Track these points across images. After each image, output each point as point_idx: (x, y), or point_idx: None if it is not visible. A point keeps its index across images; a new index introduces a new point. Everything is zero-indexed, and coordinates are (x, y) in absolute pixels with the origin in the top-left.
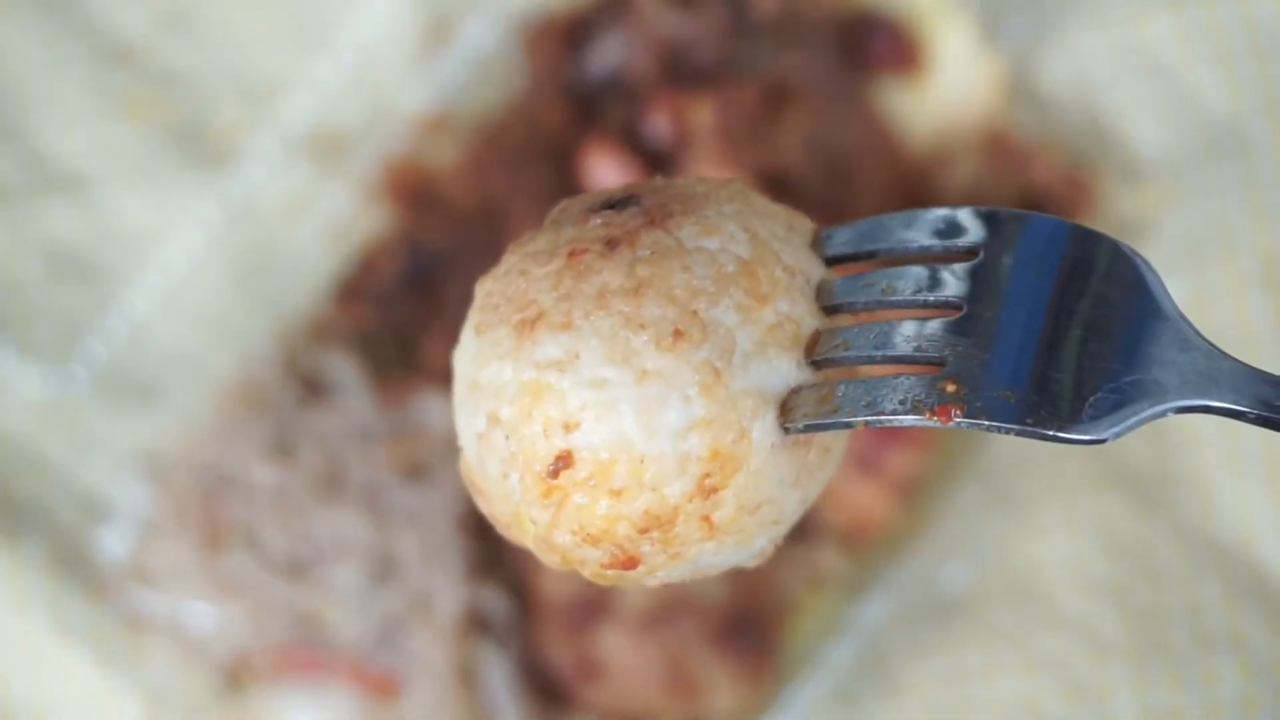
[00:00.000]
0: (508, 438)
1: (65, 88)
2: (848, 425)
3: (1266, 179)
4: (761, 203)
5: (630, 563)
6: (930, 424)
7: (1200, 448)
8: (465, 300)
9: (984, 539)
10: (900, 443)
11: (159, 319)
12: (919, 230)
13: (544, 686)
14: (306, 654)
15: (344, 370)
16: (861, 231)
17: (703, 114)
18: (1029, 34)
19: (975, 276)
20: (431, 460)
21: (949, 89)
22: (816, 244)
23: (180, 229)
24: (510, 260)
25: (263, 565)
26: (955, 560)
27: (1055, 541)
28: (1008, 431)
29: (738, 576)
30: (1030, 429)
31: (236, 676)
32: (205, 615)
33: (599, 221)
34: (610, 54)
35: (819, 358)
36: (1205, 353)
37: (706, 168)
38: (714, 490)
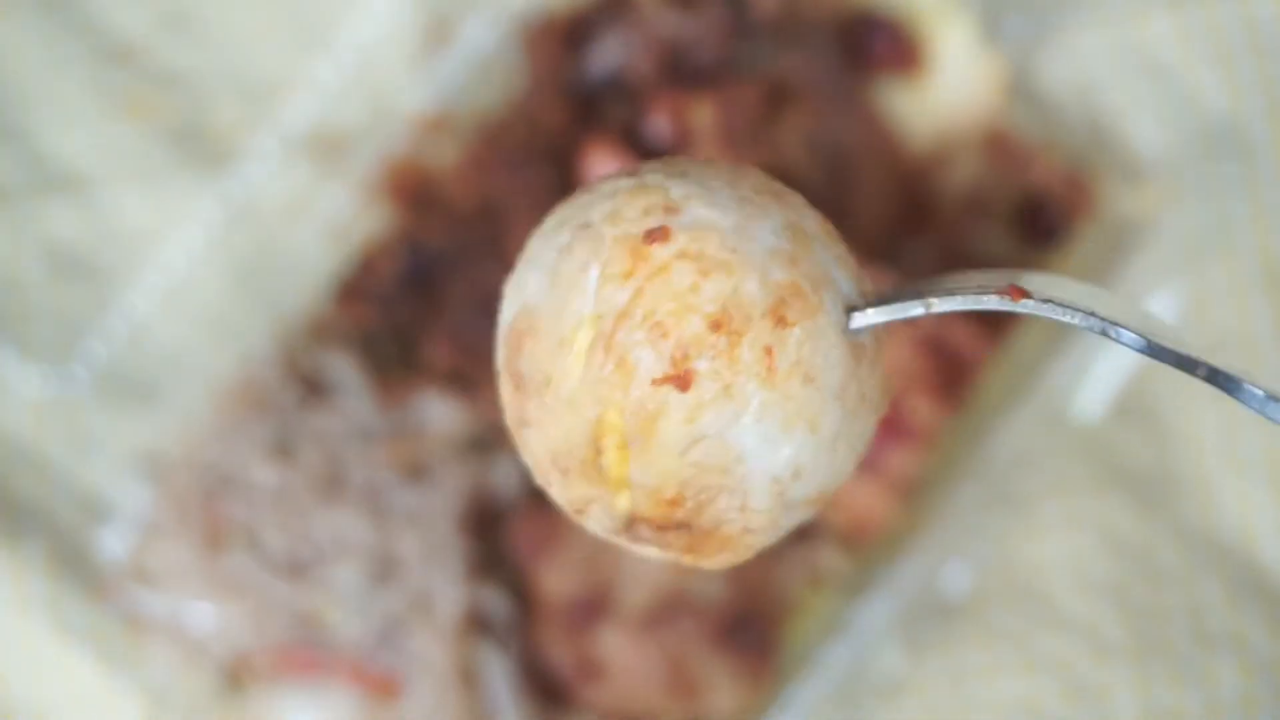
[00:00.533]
0: (603, 224)
1: (65, 88)
2: (913, 312)
3: (1266, 179)
4: None
5: (685, 379)
6: (1001, 306)
7: (1200, 447)
8: (465, 300)
9: (984, 539)
10: (900, 443)
11: (159, 319)
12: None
13: (544, 686)
14: (306, 654)
15: (344, 370)
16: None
17: (703, 114)
18: (1029, 34)
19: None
20: (432, 460)
21: (949, 89)
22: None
23: (180, 229)
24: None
25: (263, 565)
26: (955, 560)
27: (1055, 541)
28: (1073, 318)
29: (738, 576)
30: (1118, 330)
31: (237, 676)
32: (205, 615)
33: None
34: (610, 54)
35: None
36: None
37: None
38: (785, 322)
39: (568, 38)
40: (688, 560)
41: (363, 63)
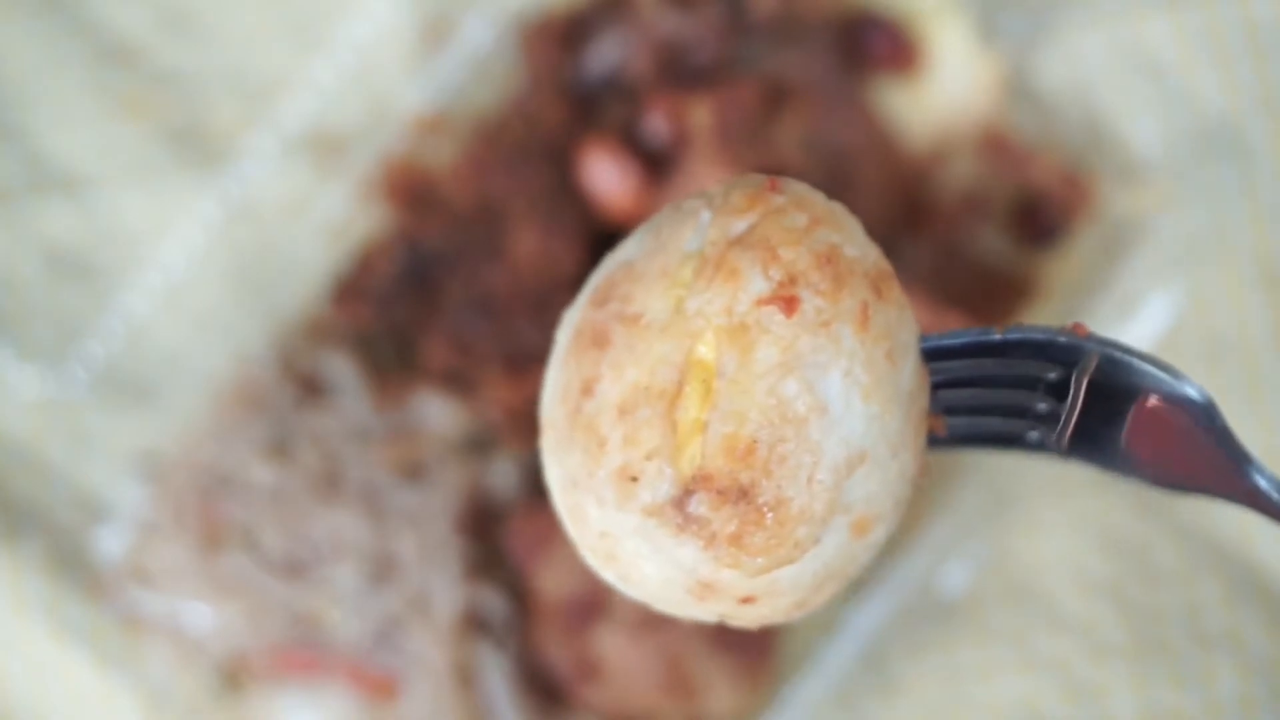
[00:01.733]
0: (706, 196)
1: (63, 87)
2: (979, 445)
3: (1264, 179)
4: None
5: (790, 303)
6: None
7: None
8: (464, 300)
9: (984, 539)
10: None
11: (157, 319)
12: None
13: (542, 687)
14: (305, 654)
15: (342, 370)
16: (963, 343)
17: (701, 113)
18: (1027, 34)
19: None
20: (430, 460)
21: (947, 89)
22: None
23: (178, 229)
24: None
25: (261, 565)
26: (955, 560)
27: (1054, 541)
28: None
29: None
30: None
31: (235, 677)
32: (203, 615)
33: None
34: (609, 53)
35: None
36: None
37: (705, 167)
38: (880, 294)
39: (566, 37)
40: (728, 560)
41: (361, 63)
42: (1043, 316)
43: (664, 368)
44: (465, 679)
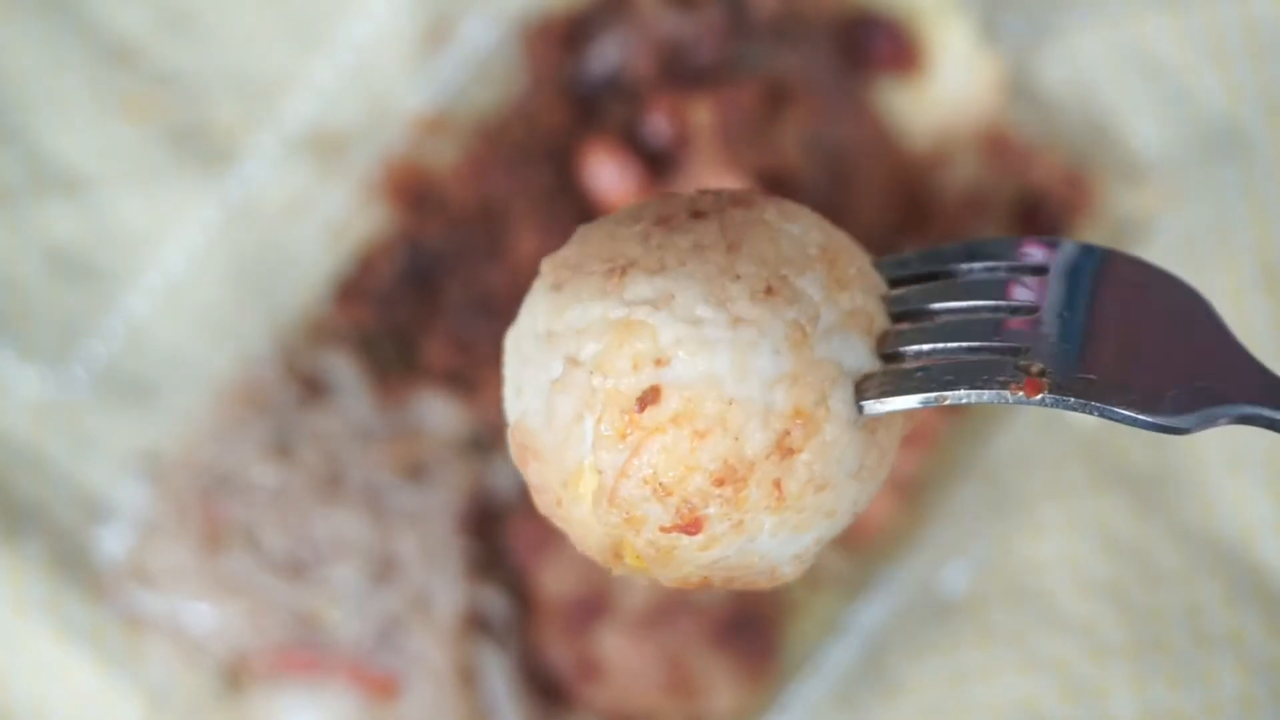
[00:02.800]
0: (592, 373)
1: (65, 88)
2: (928, 403)
3: (1266, 179)
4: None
5: (694, 525)
6: (1016, 400)
7: (1199, 448)
8: (464, 300)
9: (984, 539)
10: (900, 443)
11: (159, 319)
12: (980, 256)
13: (543, 687)
14: (306, 654)
15: (343, 370)
16: (922, 256)
17: (702, 114)
18: (1028, 34)
19: (1043, 288)
20: (431, 460)
21: (948, 89)
22: (877, 267)
23: (180, 229)
24: (584, 231)
25: (262, 565)
26: (955, 560)
27: (1055, 541)
28: (1093, 411)
29: None
30: (1116, 411)
31: (236, 676)
32: (205, 615)
33: (681, 201)
34: (610, 54)
35: (890, 350)
36: (1260, 369)
37: (706, 167)
38: (790, 452)
39: (567, 38)
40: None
41: (362, 63)
42: None
43: (594, 542)
44: (466, 679)
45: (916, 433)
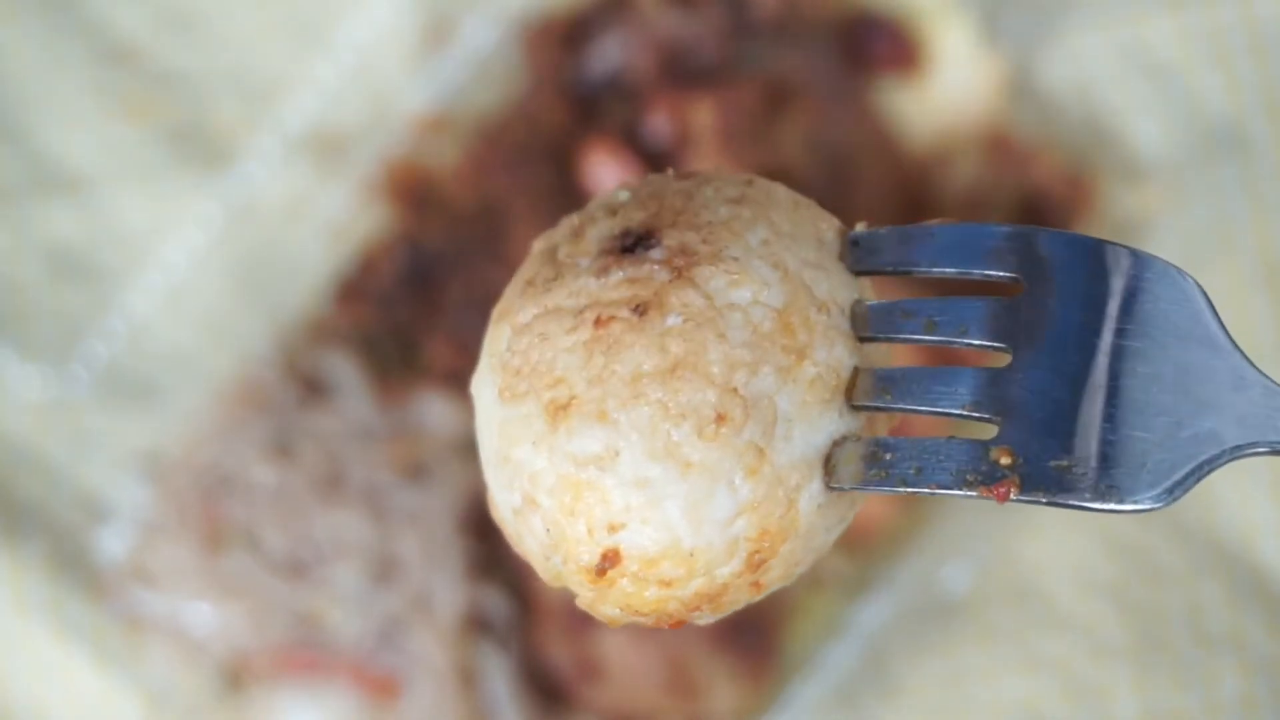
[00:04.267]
0: (549, 530)
1: (65, 88)
2: (895, 492)
3: (1266, 179)
4: (785, 207)
5: (678, 625)
6: (984, 499)
7: None
8: (465, 300)
9: (984, 539)
10: None
11: (159, 319)
12: (954, 249)
13: (544, 687)
14: (306, 654)
15: (344, 370)
16: (893, 239)
17: (703, 114)
18: (1029, 34)
19: (1020, 311)
20: (431, 460)
21: (949, 89)
22: (845, 250)
23: (180, 229)
24: (525, 306)
25: (263, 565)
26: (955, 560)
27: (1055, 541)
28: (1062, 506)
29: None
30: (1087, 505)
31: (236, 677)
32: (205, 615)
33: (621, 276)
34: (610, 54)
35: (862, 404)
36: (1263, 388)
37: (707, 166)
38: (763, 563)
39: (567, 38)
40: None
41: (362, 63)
42: None
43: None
44: (467, 679)
45: (915, 433)
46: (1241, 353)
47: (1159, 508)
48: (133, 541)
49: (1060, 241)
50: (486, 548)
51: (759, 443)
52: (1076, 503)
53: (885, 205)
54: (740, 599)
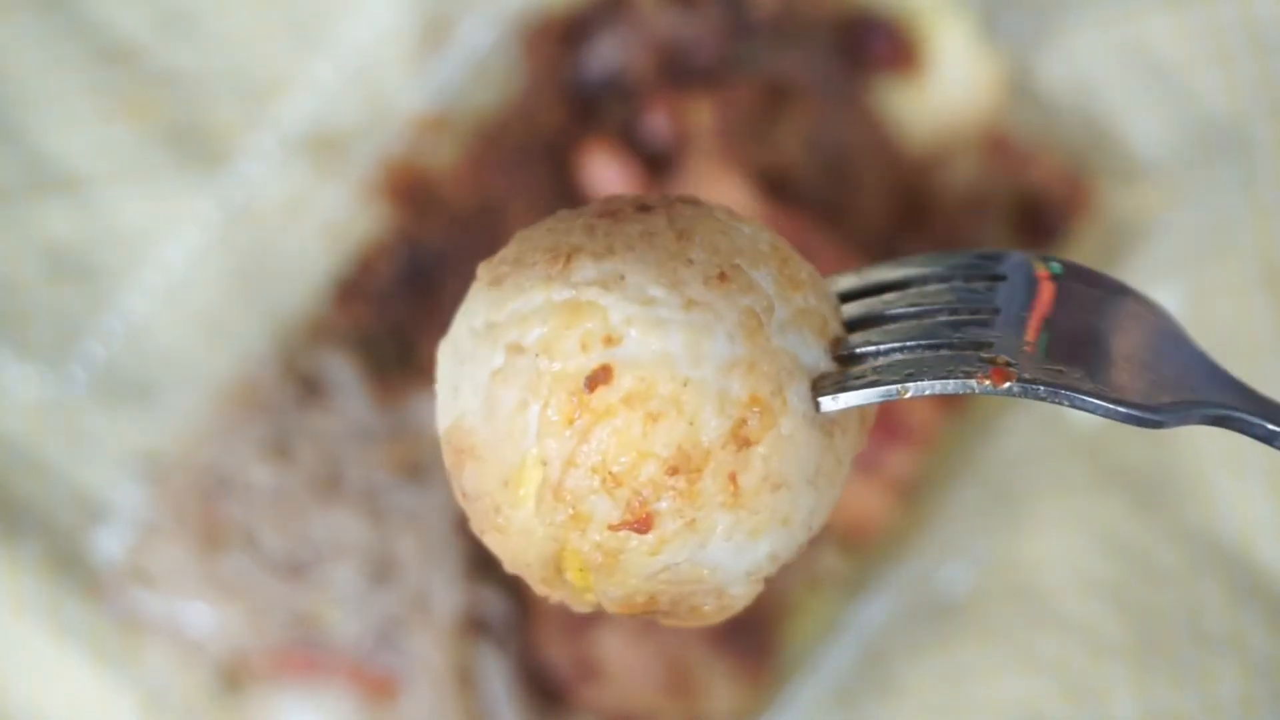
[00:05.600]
0: (538, 356)
1: (64, 88)
2: (888, 396)
3: (1266, 179)
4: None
5: (645, 522)
6: (983, 390)
7: (1199, 448)
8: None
9: (984, 539)
10: (899, 443)
11: (157, 319)
12: (933, 275)
13: (542, 687)
14: (304, 654)
15: (342, 370)
16: (873, 271)
17: (702, 114)
18: (1028, 34)
19: (1003, 295)
20: (429, 460)
21: (948, 89)
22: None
23: (178, 229)
24: (523, 234)
25: (261, 566)
26: (955, 560)
27: (1055, 542)
28: (1064, 400)
29: None
30: (1088, 400)
31: (234, 677)
32: (203, 616)
33: (628, 198)
34: (609, 54)
35: (846, 352)
36: (1230, 378)
37: (706, 167)
38: (747, 443)
39: (566, 38)
40: (665, 624)
41: (361, 63)
42: None
43: (534, 557)
44: (465, 679)
45: (915, 433)
46: (1211, 357)
47: (1157, 424)
48: (130, 542)
49: (1036, 256)
50: (485, 548)
51: (757, 311)
52: (1076, 395)
53: (884, 205)
54: (715, 498)
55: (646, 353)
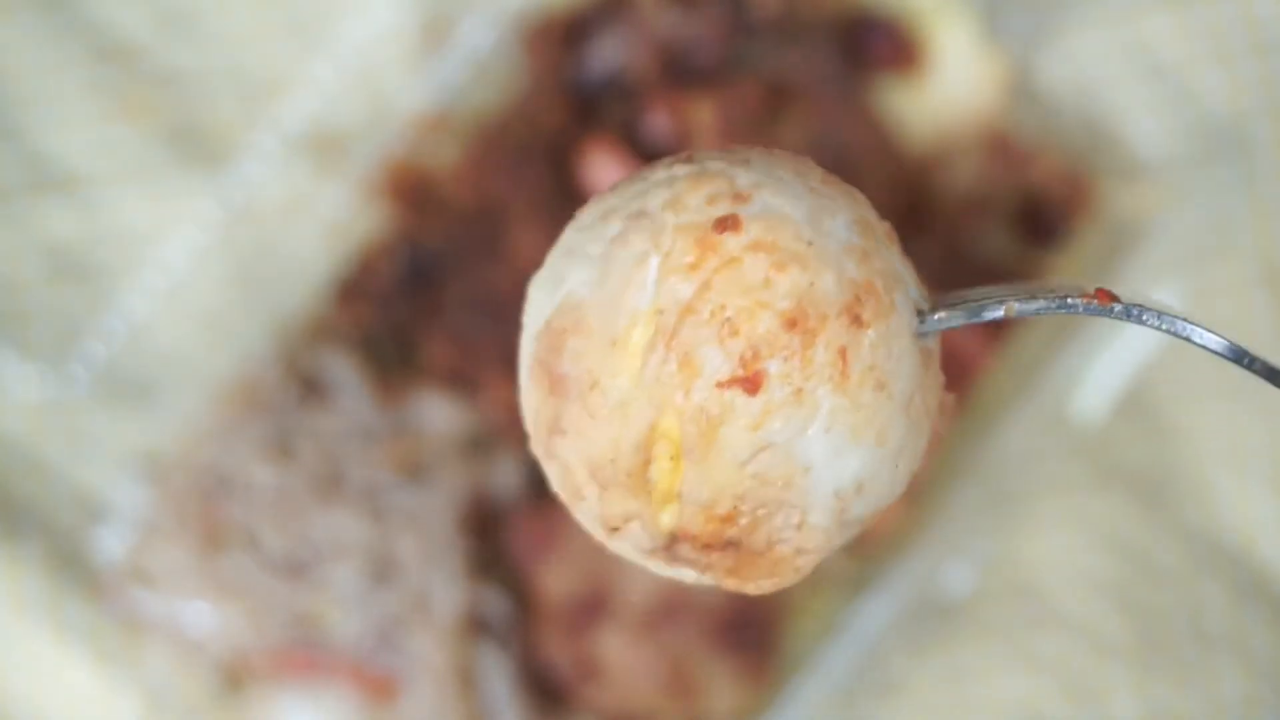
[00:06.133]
0: (662, 211)
1: (63, 87)
2: (993, 316)
3: (1266, 178)
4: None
5: (754, 381)
6: (1088, 310)
7: (1200, 446)
8: (465, 300)
9: (984, 539)
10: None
11: (158, 319)
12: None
13: (543, 687)
14: (305, 654)
15: (343, 370)
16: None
17: (703, 113)
18: (1029, 33)
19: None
20: (431, 460)
21: (949, 88)
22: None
23: (179, 229)
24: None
25: (262, 566)
26: (955, 560)
27: (1055, 541)
28: (1173, 326)
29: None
30: (1197, 327)
31: (235, 677)
32: (203, 616)
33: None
34: (610, 53)
35: (933, 316)
36: None
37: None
38: (860, 322)
39: (567, 37)
40: (729, 584)
41: (361, 62)
42: (1046, 319)
43: (626, 442)
44: (466, 679)
45: None
46: None
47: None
48: (131, 541)
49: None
50: (486, 548)
51: (870, 220)
52: (1186, 322)
53: (885, 205)
54: (825, 370)
55: (774, 211)
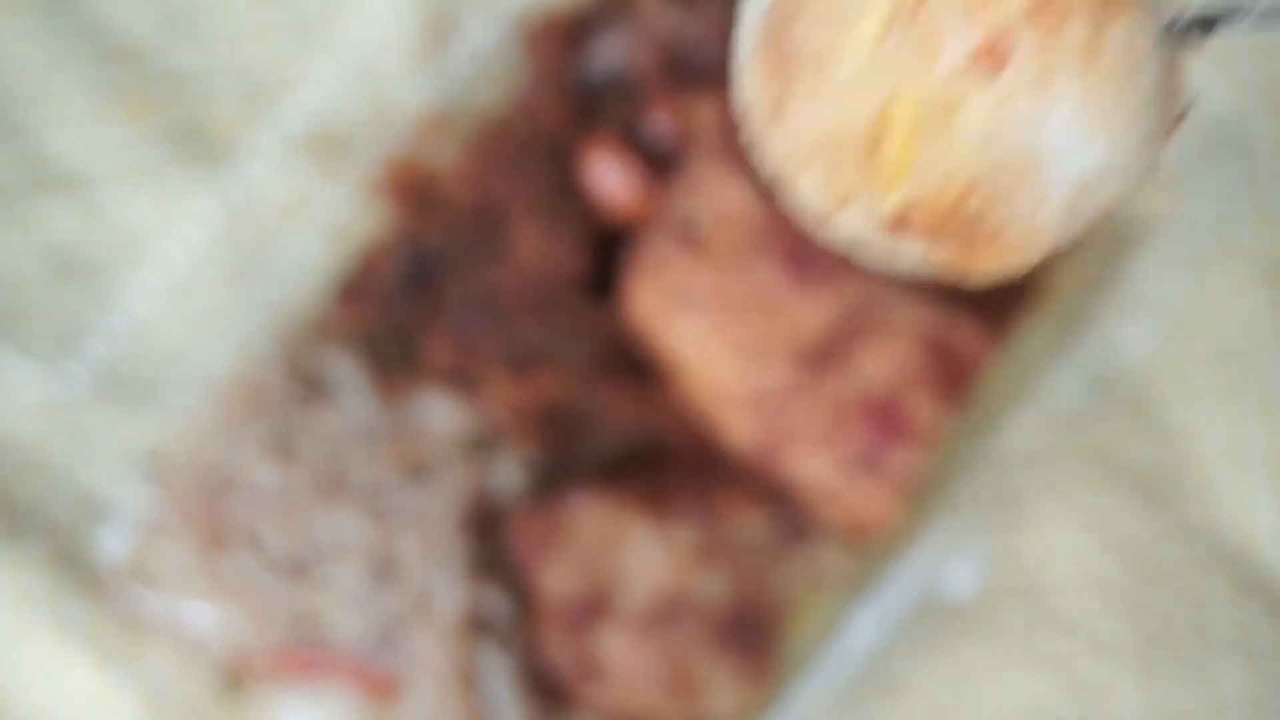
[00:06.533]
0: None
1: (65, 87)
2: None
3: (1269, 178)
4: None
5: (999, 60)
6: None
7: (1202, 445)
8: (466, 300)
9: (985, 538)
10: (901, 442)
11: (159, 319)
12: None
13: (544, 687)
14: (307, 654)
15: (345, 370)
16: None
17: (705, 113)
18: None
19: None
20: (433, 460)
21: None
22: None
23: (180, 228)
24: None
25: (263, 565)
26: (957, 559)
27: (1057, 540)
28: None
29: (738, 576)
30: None
31: (237, 677)
32: (205, 615)
33: None
34: (612, 53)
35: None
36: None
37: (710, 167)
38: (1111, 9)
39: (569, 37)
40: (955, 267)
41: (363, 62)
42: (1048, 317)
43: (857, 119)
44: (467, 679)
45: (917, 432)
46: None
47: None
48: (133, 541)
49: None
50: (488, 547)
51: None
52: None
53: None
54: (1073, 48)
55: None
